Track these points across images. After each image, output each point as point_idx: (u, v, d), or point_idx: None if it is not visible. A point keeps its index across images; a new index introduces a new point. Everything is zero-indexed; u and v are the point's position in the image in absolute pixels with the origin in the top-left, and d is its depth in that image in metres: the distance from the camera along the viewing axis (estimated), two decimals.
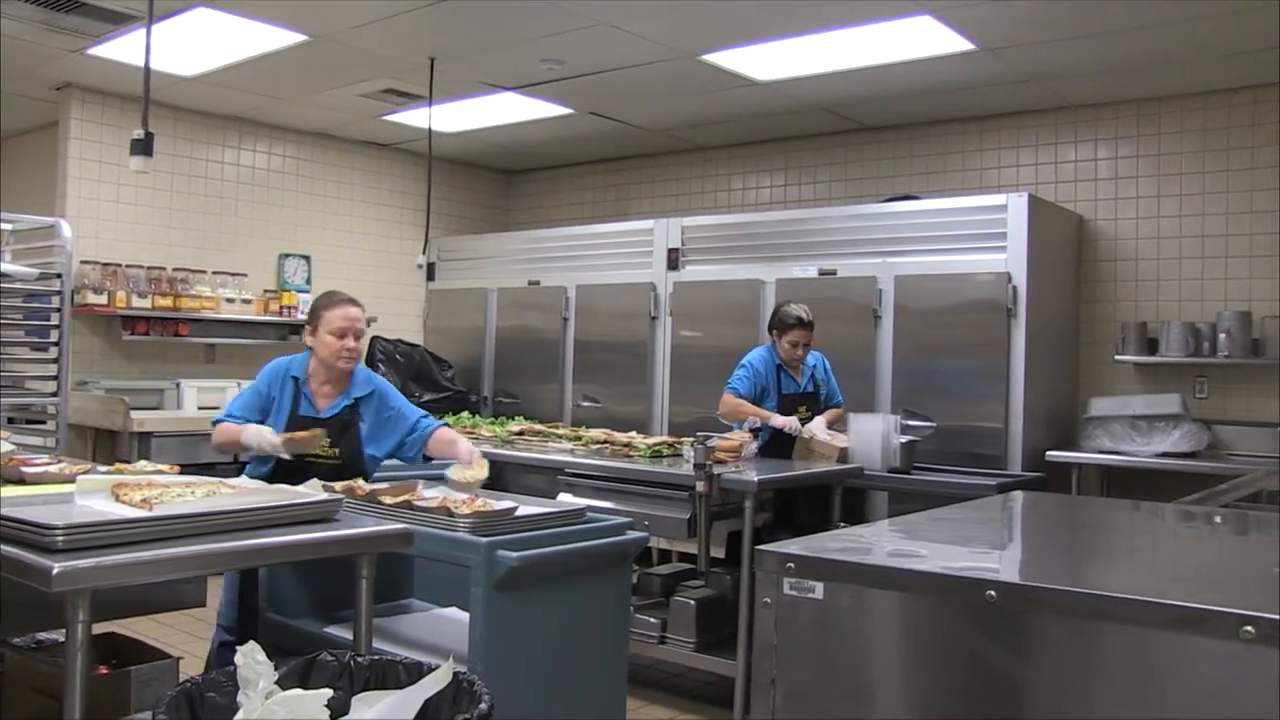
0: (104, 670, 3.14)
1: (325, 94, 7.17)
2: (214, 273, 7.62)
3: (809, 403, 5.50)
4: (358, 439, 3.90)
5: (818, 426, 5.31)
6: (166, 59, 6.26)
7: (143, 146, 4.53)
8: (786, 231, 6.79)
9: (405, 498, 3.27)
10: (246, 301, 7.68)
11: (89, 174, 7.17)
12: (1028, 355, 5.80)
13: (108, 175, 7.22)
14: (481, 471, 3.77)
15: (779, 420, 5.29)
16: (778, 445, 5.35)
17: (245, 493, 2.75)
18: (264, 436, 3.70)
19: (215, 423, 3.90)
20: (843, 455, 5.20)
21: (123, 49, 6.17)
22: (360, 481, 3.53)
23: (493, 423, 6.26)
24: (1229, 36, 5.38)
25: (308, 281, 8.20)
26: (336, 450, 3.82)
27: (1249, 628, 1.48)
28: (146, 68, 4.75)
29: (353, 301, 4.00)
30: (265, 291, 7.93)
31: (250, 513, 2.56)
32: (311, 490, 2.99)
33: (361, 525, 2.75)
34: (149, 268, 7.28)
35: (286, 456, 3.69)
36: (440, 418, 6.43)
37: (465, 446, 3.93)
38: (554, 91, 6.91)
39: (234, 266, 7.78)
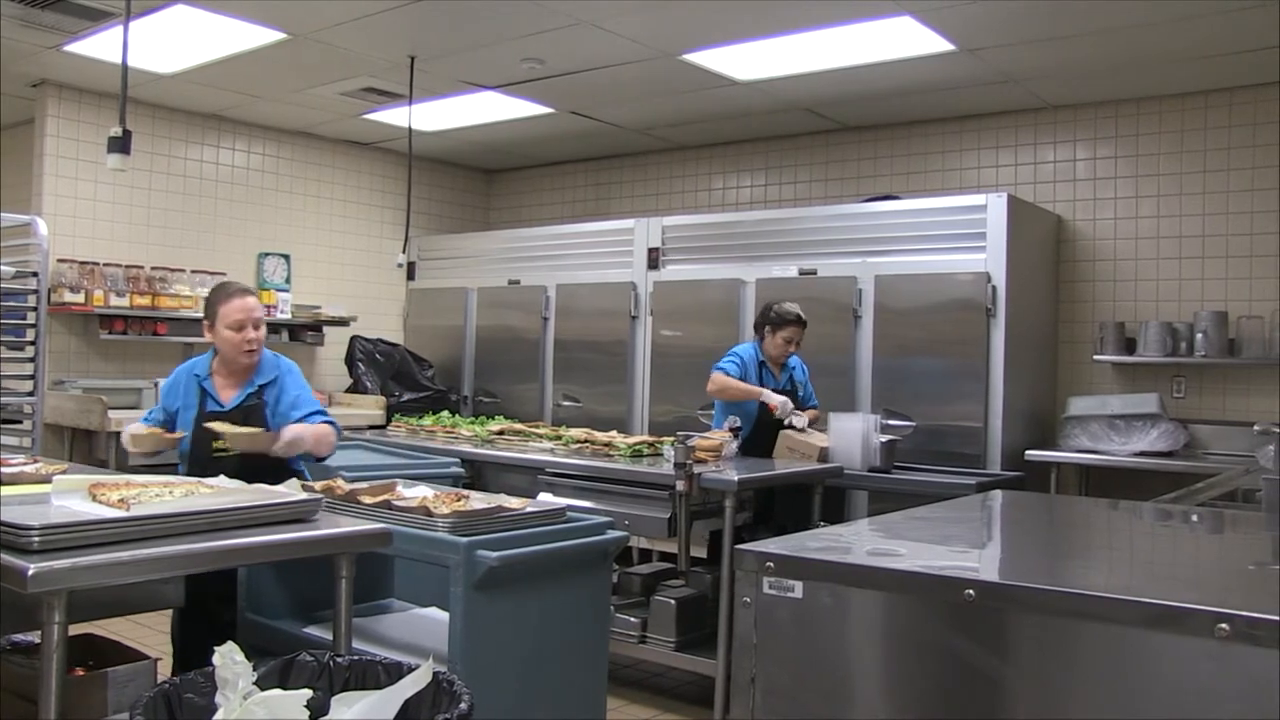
0: (80, 672, 3.10)
1: (305, 92, 7.14)
2: (193, 271, 7.57)
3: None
4: (264, 426, 3.78)
5: (799, 419, 5.35)
6: (144, 56, 6.21)
7: (120, 144, 4.51)
8: (767, 231, 6.80)
9: (384, 497, 3.26)
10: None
11: (66, 171, 7.12)
12: (1007, 355, 5.82)
13: (85, 173, 7.16)
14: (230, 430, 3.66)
15: (772, 399, 5.31)
16: (758, 444, 5.36)
17: (223, 493, 2.73)
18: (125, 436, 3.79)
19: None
20: (823, 454, 5.22)
21: (100, 46, 6.12)
22: (339, 480, 3.51)
23: (473, 422, 6.25)
24: (1206, 39, 5.41)
25: (287, 280, 8.16)
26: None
27: (1224, 625, 1.49)
28: (124, 65, 4.72)
29: (246, 291, 3.97)
30: None
31: (228, 513, 2.55)
32: (290, 490, 2.97)
33: (340, 525, 2.74)
34: (127, 266, 7.23)
35: (134, 452, 3.79)
36: (421, 417, 6.48)
37: (311, 432, 3.78)
38: (534, 91, 6.90)
39: (213, 265, 7.73)
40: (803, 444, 5.26)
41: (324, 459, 3.92)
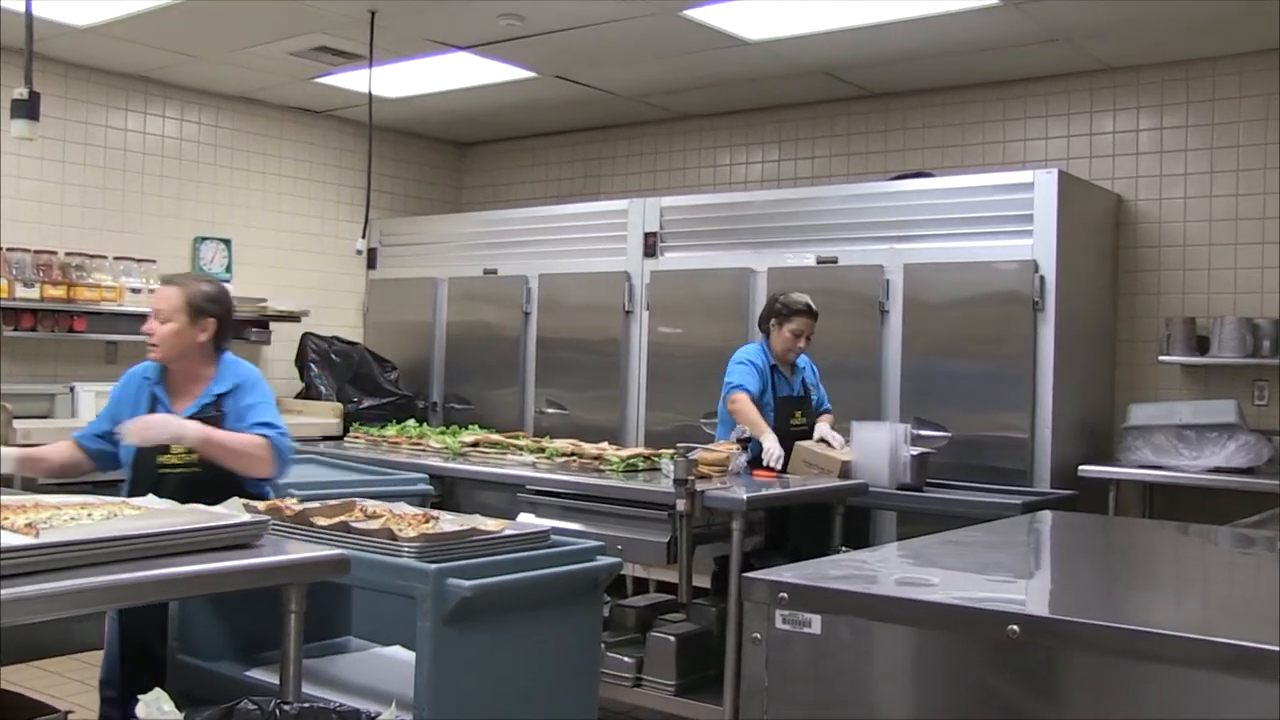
0: None
1: (248, 51, 7.13)
2: (116, 258, 7.54)
3: (803, 407, 5.55)
4: None
5: (825, 430, 5.39)
6: (53, 4, 6.17)
7: (26, 109, 4.49)
8: (780, 213, 6.81)
9: (341, 519, 3.25)
10: (155, 292, 7.61)
11: None
12: (1057, 355, 5.82)
13: None
14: None
15: (770, 442, 5.24)
16: None
17: (152, 514, 2.72)
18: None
19: None
20: (844, 469, 5.22)
21: None
22: (289, 500, 3.50)
23: (443, 432, 6.24)
24: None
25: (228, 269, 8.14)
26: (195, 455, 3.70)
27: None
28: (28, 13, 4.69)
29: (167, 280, 4.10)
30: None
31: (158, 538, 2.53)
32: (231, 511, 2.97)
33: (289, 551, 2.74)
34: (36, 252, 7.18)
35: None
36: (383, 426, 6.48)
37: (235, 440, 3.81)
38: (513, 52, 6.89)
39: (140, 251, 7.71)
40: (821, 457, 5.26)
41: (265, 480, 3.87)
